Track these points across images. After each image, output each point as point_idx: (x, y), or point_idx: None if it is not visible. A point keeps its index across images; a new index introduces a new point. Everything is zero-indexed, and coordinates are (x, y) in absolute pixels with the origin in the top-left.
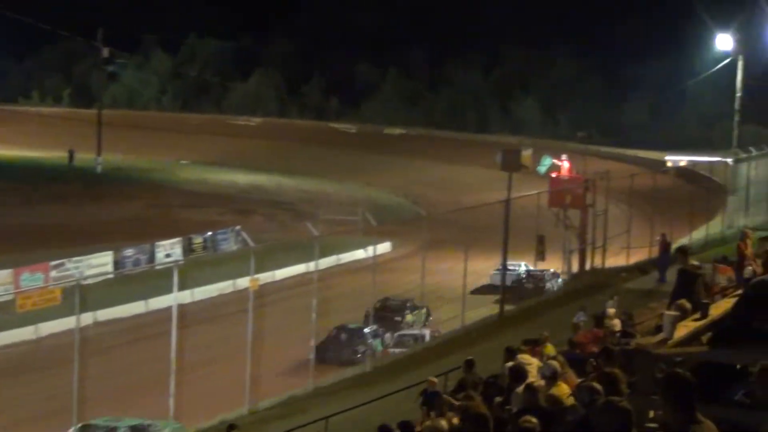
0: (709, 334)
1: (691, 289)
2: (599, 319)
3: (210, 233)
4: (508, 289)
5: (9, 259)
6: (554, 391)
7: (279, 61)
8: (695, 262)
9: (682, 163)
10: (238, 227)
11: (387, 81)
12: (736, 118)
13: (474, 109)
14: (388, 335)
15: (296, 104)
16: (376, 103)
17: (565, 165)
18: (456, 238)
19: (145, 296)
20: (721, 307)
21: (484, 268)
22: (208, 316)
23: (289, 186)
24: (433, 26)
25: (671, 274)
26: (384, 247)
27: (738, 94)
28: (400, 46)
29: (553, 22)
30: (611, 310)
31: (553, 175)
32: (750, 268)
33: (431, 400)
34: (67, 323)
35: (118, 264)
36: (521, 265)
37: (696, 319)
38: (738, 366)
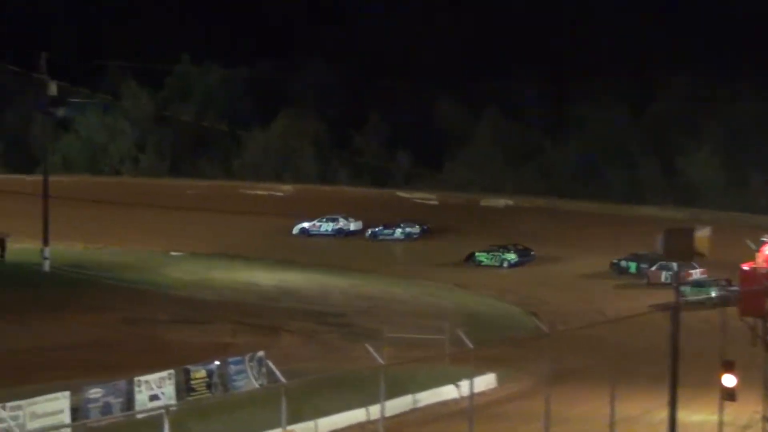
0: None
1: None
2: None
3: (217, 363)
4: None
5: None
6: None
7: (316, 97)
8: None
9: None
10: (260, 353)
11: (481, 126)
12: None
13: (619, 168)
14: None
15: (344, 162)
16: (466, 160)
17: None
18: (597, 367)
19: None
20: None
21: (639, 415)
22: None
23: (336, 287)
24: (546, 44)
25: None
26: (486, 382)
27: None
28: (497, 73)
29: (732, 40)
30: None
31: (746, 267)
32: None
33: None
34: None
35: (78, 411)
36: None
37: None
38: None
